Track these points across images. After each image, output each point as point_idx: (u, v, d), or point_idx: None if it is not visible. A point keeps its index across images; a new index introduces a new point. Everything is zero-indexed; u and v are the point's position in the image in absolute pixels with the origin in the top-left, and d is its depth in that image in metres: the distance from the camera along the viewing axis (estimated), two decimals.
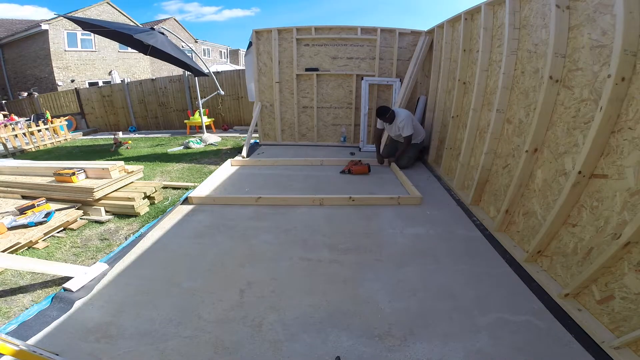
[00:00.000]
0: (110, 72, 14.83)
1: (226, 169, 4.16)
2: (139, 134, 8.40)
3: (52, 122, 7.26)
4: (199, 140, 6.18)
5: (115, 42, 14.65)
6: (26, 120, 7.59)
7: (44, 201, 2.70)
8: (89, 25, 5.28)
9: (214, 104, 8.34)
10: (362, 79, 5.02)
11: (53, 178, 3.00)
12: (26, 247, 2.34)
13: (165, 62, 6.73)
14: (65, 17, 4.99)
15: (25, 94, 10.13)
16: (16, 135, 6.48)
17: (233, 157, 4.73)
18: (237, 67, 15.45)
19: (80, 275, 1.90)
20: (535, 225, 2.03)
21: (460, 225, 2.58)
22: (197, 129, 7.64)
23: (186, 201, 3.06)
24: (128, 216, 2.88)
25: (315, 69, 5.14)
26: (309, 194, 3.07)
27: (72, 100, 9.69)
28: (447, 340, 1.48)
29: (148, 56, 5.93)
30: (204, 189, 3.37)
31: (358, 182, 3.62)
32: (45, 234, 2.47)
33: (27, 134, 6.57)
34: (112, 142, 6.24)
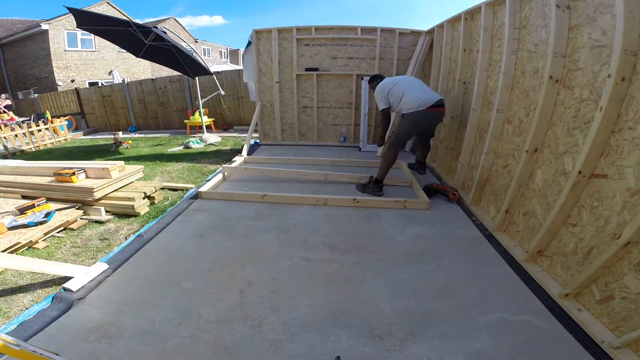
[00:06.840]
0: (111, 72, 14.83)
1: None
2: (139, 133, 8.40)
3: (52, 122, 7.27)
4: (199, 140, 6.18)
5: None
6: (25, 121, 7.58)
7: (44, 201, 2.70)
8: (88, 23, 5.22)
9: (215, 104, 8.34)
10: (362, 78, 5.02)
11: (53, 178, 3.00)
12: (26, 247, 2.34)
13: None
14: (67, 8, 4.82)
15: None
16: (16, 135, 6.48)
17: (233, 157, 4.73)
18: (238, 67, 15.41)
19: (80, 275, 1.90)
20: (535, 225, 2.03)
21: (460, 225, 2.58)
22: (197, 129, 7.64)
23: (196, 196, 3.18)
24: (128, 216, 2.89)
25: (316, 69, 5.14)
26: (312, 194, 3.05)
27: (72, 100, 9.69)
28: (447, 340, 1.47)
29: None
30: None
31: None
32: (45, 234, 2.47)
33: (27, 133, 6.58)
34: (112, 142, 6.24)
